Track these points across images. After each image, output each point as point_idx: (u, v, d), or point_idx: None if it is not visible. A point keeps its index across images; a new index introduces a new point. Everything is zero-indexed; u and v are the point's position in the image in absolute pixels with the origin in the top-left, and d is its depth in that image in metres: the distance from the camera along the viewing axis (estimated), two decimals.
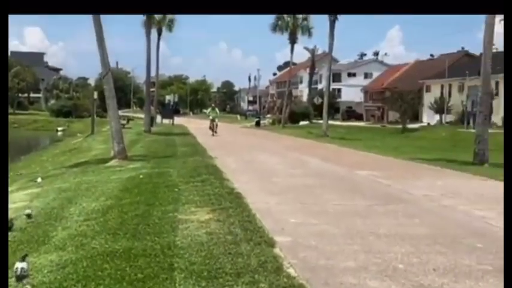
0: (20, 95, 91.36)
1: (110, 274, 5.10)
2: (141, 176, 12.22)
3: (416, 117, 54.12)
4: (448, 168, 15.31)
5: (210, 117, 33.66)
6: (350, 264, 5.45)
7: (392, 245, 6.26)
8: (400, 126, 45.59)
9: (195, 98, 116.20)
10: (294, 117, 56.68)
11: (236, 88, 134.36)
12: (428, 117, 55.20)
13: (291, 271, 5.14)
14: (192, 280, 4.89)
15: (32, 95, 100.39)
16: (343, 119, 71.14)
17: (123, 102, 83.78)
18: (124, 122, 35.83)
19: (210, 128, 32.81)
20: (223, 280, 4.88)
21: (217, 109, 36.31)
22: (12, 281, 5.14)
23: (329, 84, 42.30)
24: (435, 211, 8.66)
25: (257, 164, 16.18)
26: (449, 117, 52.09)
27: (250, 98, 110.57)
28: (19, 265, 5.25)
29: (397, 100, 48.32)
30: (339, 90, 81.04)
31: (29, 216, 8.37)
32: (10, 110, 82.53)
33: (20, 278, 5.20)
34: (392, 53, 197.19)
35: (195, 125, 46.71)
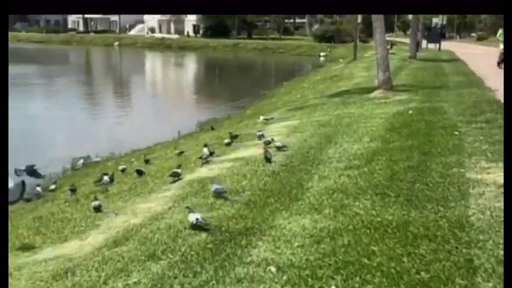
0: (286, 20, 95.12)
1: (380, 266, 3.61)
2: (410, 112, 10.41)
3: None
4: None
5: (501, 44, 22.80)
6: None
7: None
8: None
9: (462, 20, 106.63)
10: None
11: None
12: None
13: None
14: None
15: (297, 20, 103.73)
16: None
17: (387, 26, 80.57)
18: (388, 47, 33.69)
19: (500, 58, 22.84)
20: None
21: None
22: None
23: None
24: None
25: None
26: None
27: None
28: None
29: None
30: None
31: (279, 148, 7.95)
32: (276, 36, 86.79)
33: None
34: None
35: (463, 49, 42.10)
